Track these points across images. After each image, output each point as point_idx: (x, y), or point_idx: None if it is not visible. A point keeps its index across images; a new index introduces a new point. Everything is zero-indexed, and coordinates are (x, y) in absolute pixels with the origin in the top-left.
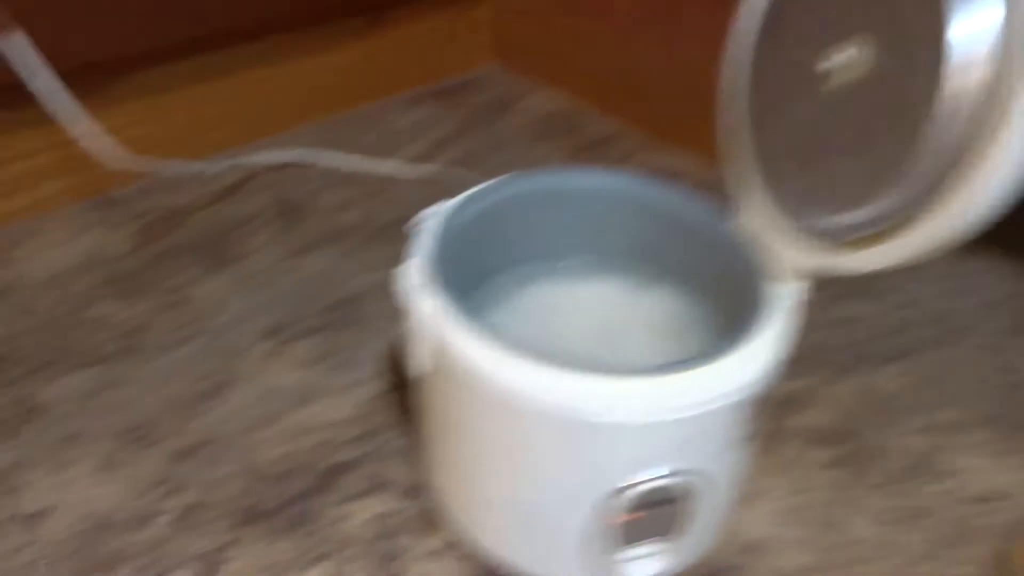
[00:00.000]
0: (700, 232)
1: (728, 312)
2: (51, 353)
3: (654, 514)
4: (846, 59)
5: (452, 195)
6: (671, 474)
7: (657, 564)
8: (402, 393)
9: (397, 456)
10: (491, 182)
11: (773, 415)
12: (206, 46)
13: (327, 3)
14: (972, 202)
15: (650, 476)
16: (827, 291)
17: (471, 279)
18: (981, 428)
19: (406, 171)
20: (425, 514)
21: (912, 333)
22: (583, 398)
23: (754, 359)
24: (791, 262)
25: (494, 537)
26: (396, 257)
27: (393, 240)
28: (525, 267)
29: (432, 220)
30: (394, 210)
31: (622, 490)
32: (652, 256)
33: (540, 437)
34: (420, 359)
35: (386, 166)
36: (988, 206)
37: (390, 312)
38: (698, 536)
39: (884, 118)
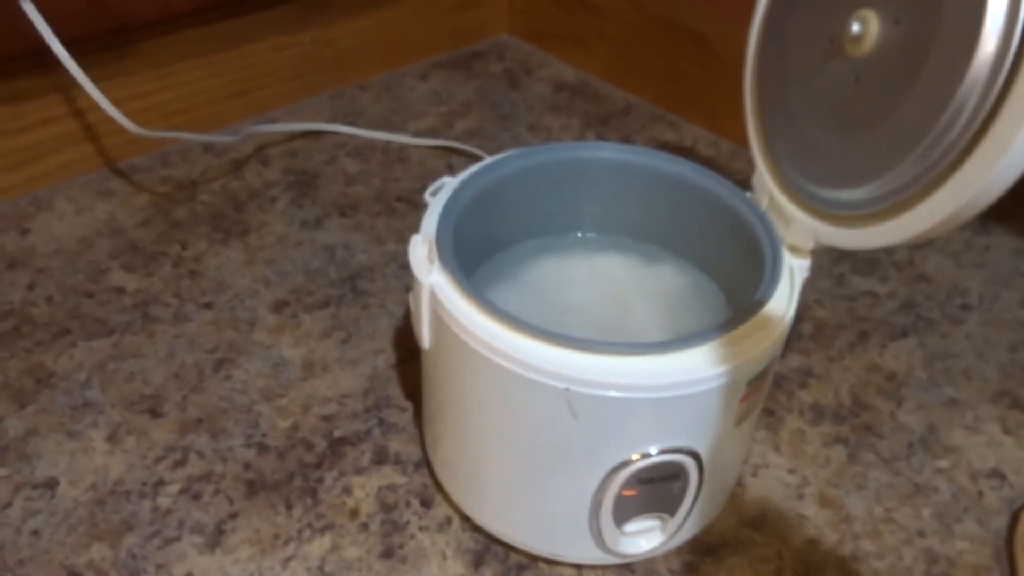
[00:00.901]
0: (710, 205)
1: (738, 286)
2: (65, 322)
3: (656, 489)
4: (862, 27)
5: (465, 167)
6: (674, 450)
7: (658, 539)
8: (408, 367)
9: (402, 430)
10: (499, 156)
11: (777, 390)
12: (218, 15)
13: None
14: (988, 174)
15: (652, 452)
16: (835, 266)
17: (479, 253)
18: (987, 405)
19: (420, 142)
20: (428, 488)
21: (919, 310)
22: (586, 374)
23: (760, 335)
24: (802, 236)
25: (496, 512)
26: (407, 230)
27: (405, 213)
28: (534, 241)
29: (440, 194)
30: (407, 181)
31: (624, 465)
32: (662, 229)
33: (541, 413)
34: (424, 333)
35: (400, 137)
36: (1004, 178)
37: (398, 286)
38: (700, 511)
39: (902, 90)
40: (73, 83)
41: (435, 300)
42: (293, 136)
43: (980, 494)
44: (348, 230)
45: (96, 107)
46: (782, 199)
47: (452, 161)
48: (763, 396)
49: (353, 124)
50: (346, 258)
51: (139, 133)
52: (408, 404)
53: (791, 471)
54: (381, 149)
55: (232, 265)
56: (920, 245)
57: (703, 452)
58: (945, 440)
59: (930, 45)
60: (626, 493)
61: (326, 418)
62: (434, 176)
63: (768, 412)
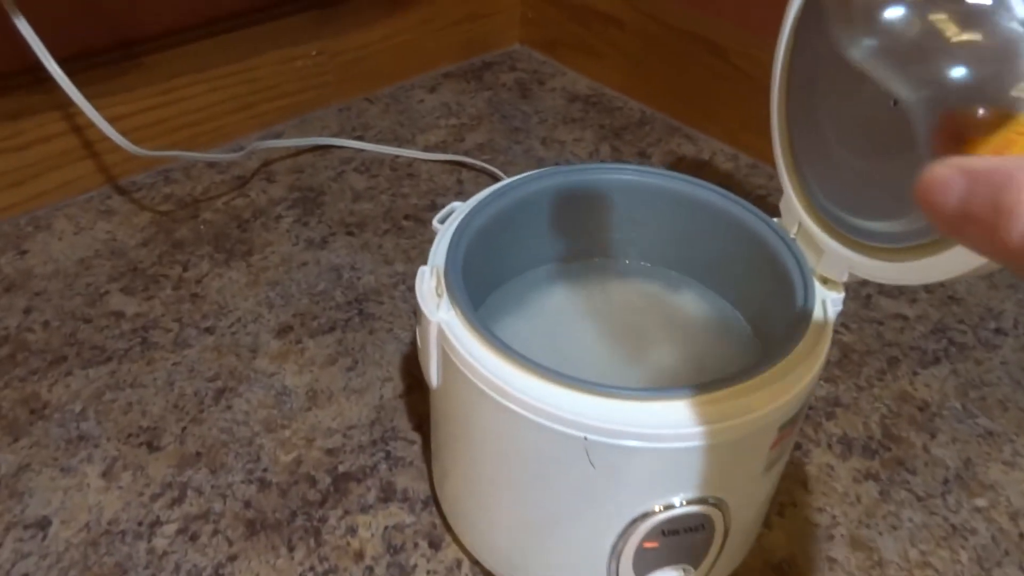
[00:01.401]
0: (735, 230)
1: (765, 317)
2: (62, 349)
3: (679, 541)
4: None
5: (475, 181)
6: (699, 500)
7: None
8: (416, 396)
9: (409, 465)
10: (511, 179)
11: (804, 421)
12: (222, 28)
13: None
14: None
15: (676, 503)
16: (861, 287)
17: (490, 280)
18: None
19: (429, 156)
20: (436, 528)
21: (951, 334)
22: (605, 423)
23: (792, 377)
24: (835, 267)
25: (507, 559)
26: (415, 250)
27: (413, 231)
28: (547, 267)
29: (449, 221)
30: (416, 198)
31: (645, 517)
32: (683, 255)
33: (556, 461)
34: (432, 371)
35: (409, 151)
36: None
37: (407, 310)
38: (725, 560)
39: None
40: (71, 100)
41: (443, 338)
42: (299, 151)
43: (1021, 536)
44: (355, 250)
45: (95, 124)
46: (813, 227)
47: (462, 176)
48: (794, 439)
49: (361, 138)
50: (353, 280)
51: (136, 152)
52: (416, 436)
53: (820, 510)
54: (389, 164)
55: (234, 287)
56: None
57: (730, 501)
58: (982, 476)
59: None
60: (648, 545)
61: (330, 451)
62: (443, 192)
63: (795, 445)
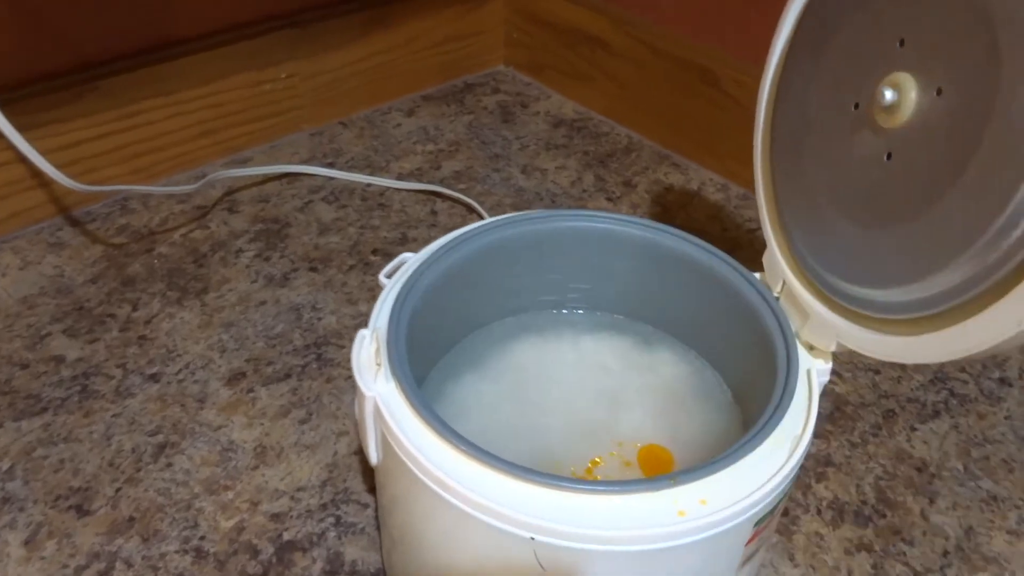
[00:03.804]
0: (714, 286)
1: (746, 382)
2: None
3: None
4: (896, 95)
5: (451, 214)
6: None
7: None
8: None
9: (361, 532)
10: (471, 227)
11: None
12: (185, 50)
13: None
14: None
15: None
16: None
17: (449, 335)
18: None
19: (402, 185)
20: None
21: (952, 385)
22: (555, 522)
23: (770, 465)
24: (822, 335)
25: None
26: (381, 289)
27: (380, 267)
28: (513, 319)
29: (397, 276)
30: (386, 231)
31: None
32: (659, 309)
33: (501, 561)
34: (370, 448)
35: (381, 179)
36: None
37: None
38: None
39: (947, 175)
40: (21, 127)
41: (379, 415)
42: (266, 179)
43: None
44: (317, 288)
45: (50, 151)
46: (799, 287)
47: (436, 207)
48: (773, 530)
49: (332, 165)
50: (313, 321)
51: (73, 187)
52: (370, 499)
53: None
54: (360, 193)
55: (186, 329)
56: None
57: None
58: (985, 547)
59: (984, 122)
60: None
61: (276, 516)
62: (416, 225)
63: (782, 511)
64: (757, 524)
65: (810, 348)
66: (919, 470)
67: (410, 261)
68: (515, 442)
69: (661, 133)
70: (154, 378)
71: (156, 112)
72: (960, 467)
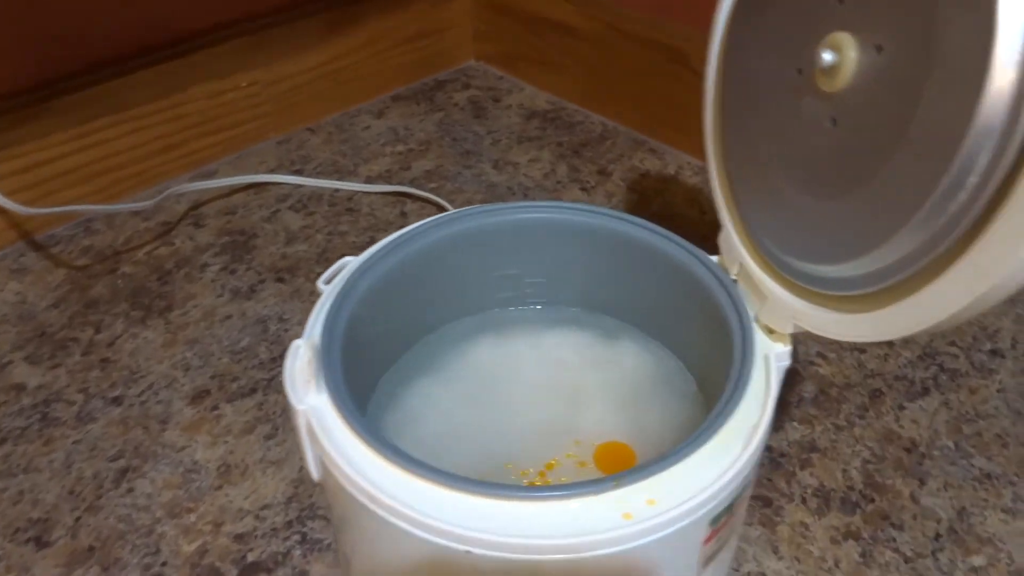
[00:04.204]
0: (670, 272)
1: (709, 369)
2: None
3: None
4: (835, 56)
5: (421, 214)
6: None
7: None
8: None
9: (327, 549)
10: (414, 226)
11: (775, 472)
12: (141, 63)
13: (275, 3)
14: (1017, 250)
15: None
16: None
17: (402, 338)
18: None
19: (371, 188)
20: None
21: (941, 360)
22: (491, 533)
23: (723, 460)
24: (779, 317)
25: None
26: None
27: None
28: (470, 319)
29: (337, 281)
30: (354, 236)
31: None
32: (619, 300)
33: (445, 574)
34: (309, 463)
35: (349, 184)
36: None
37: None
38: None
39: (890, 137)
40: None
41: (311, 429)
42: (232, 190)
43: None
44: (285, 298)
45: (4, 176)
46: (755, 268)
47: (406, 208)
48: (737, 526)
49: (299, 172)
50: (279, 333)
51: (21, 212)
52: None
53: None
54: (328, 199)
55: (149, 349)
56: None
57: None
58: (979, 528)
59: (923, 79)
60: None
61: (239, 537)
62: (385, 228)
63: (764, 501)
64: (713, 522)
65: (769, 331)
66: (908, 451)
67: (350, 265)
68: (469, 447)
69: (635, 118)
70: (116, 401)
71: (113, 129)
72: (951, 445)
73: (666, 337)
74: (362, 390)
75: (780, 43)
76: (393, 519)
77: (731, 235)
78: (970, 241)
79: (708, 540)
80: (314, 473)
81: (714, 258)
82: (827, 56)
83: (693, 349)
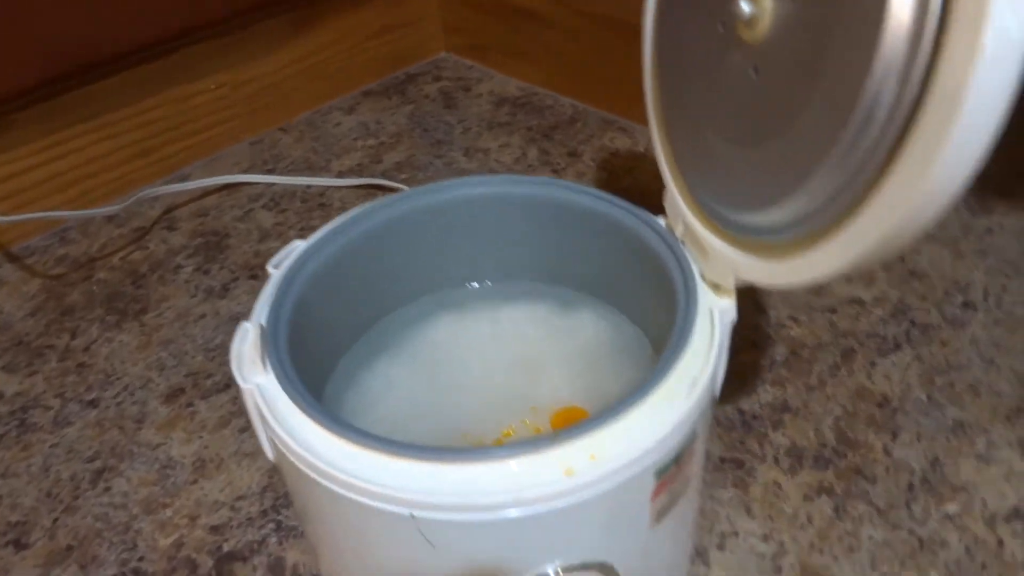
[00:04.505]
0: (619, 237)
1: (662, 332)
2: None
3: None
4: (753, 6)
5: None
6: (577, 567)
7: None
8: None
9: (302, 536)
10: (363, 207)
11: (747, 435)
12: (106, 71)
13: (239, 4)
14: (921, 184)
15: (549, 572)
16: None
17: (358, 321)
18: (1002, 426)
19: (342, 182)
20: None
21: (913, 315)
22: (431, 495)
23: (665, 412)
24: (721, 270)
25: None
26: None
27: None
28: (428, 298)
29: (281, 268)
30: None
31: None
32: (573, 270)
33: (393, 544)
34: (263, 443)
35: (321, 179)
36: (942, 187)
37: None
38: None
39: (806, 83)
40: None
41: (258, 406)
42: (205, 192)
43: (1000, 544)
44: (258, 295)
45: None
46: (697, 225)
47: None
48: (690, 479)
49: (271, 171)
50: None
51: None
52: None
53: (765, 537)
54: (300, 196)
55: (124, 351)
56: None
57: (616, 562)
58: (952, 477)
59: (832, 22)
60: None
61: (215, 528)
62: None
63: (736, 464)
64: (660, 475)
65: (716, 288)
66: (880, 406)
67: (298, 247)
68: (427, 423)
69: (605, 99)
70: (92, 404)
71: (83, 138)
72: (924, 397)
73: (622, 303)
74: (320, 372)
75: (704, 1)
76: (337, 488)
77: (674, 194)
78: (883, 175)
79: (657, 494)
80: (269, 453)
81: (661, 220)
82: (746, 7)
83: (648, 313)
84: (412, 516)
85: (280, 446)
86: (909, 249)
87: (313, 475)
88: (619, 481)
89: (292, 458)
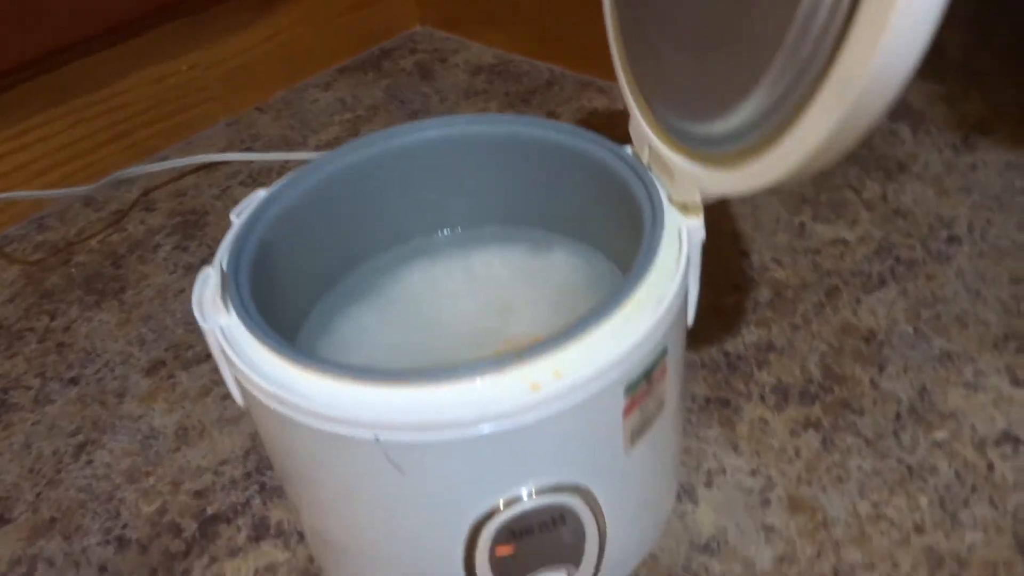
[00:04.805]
0: (587, 169)
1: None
2: None
3: (540, 541)
4: None
5: None
6: (551, 489)
7: None
8: None
9: (285, 494)
10: (325, 154)
11: (732, 374)
12: (75, 54)
13: None
14: (863, 76)
15: (523, 495)
16: (794, 215)
17: (327, 276)
18: (989, 354)
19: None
20: (313, 563)
21: (898, 251)
22: (394, 417)
23: (626, 331)
24: (686, 187)
25: None
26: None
27: None
28: (401, 247)
29: (242, 215)
30: None
31: (488, 518)
32: (544, 209)
33: (361, 472)
34: (232, 387)
35: (298, 154)
36: (885, 79)
37: None
38: (618, 552)
39: None
40: None
41: (223, 348)
42: (183, 173)
43: (990, 467)
44: None
45: None
46: (660, 146)
47: None
48: (664, 401)
49: (249, 150)
50: None
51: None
52: None
53: (753, 472)
54: (277, 171)
55: (104, 329)
56: (893, 172)
57: (594, 487)
58: (940, 405)
59: None
60: (502, 551)
61: (198, 493)
62: None
63: (722, 403)
64: (629, 391)
65: (684, 208)
66: (867, 340)
67: (260, 195)
68: (400, 365)
69: (581, 62)
70: (73, 381)
71: (54, 124)
72: (910, 330)
73: (595, 239)
74: (292, 319)
75: None
76: (302, 418)
77: (638, 119)
78: (831, 65)
79: (628, 411)
80: (238, 398)
81: (627, 148)
82: None
83: (622, 247)
84: (377, 439)
85: (245, 383)
86: (865, 139)
87: (278, 407)
88: (586, 395)
89: (257, 393)
